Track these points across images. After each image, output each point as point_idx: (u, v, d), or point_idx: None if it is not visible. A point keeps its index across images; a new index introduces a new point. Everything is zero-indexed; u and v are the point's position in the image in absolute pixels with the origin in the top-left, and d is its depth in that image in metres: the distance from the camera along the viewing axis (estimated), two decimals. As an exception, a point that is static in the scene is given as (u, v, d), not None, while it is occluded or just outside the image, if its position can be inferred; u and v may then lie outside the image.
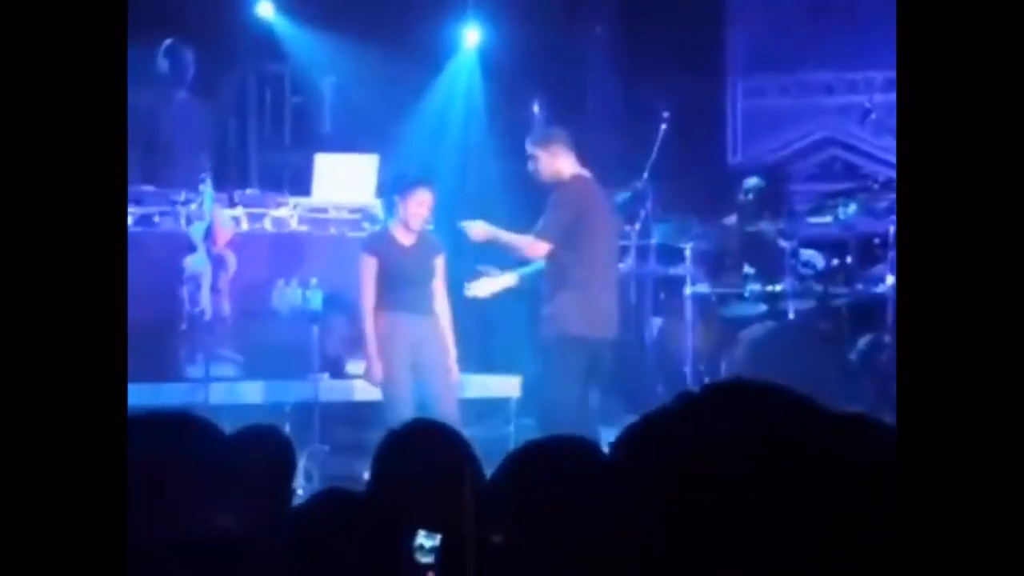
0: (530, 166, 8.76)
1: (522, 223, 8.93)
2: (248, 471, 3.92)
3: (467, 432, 4.38)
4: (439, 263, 9.02)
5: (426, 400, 8.74)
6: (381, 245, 8.95)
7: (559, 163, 8.70)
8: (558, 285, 8.63)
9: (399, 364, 8.77)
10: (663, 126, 10.73)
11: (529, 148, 8.77)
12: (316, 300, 9.84)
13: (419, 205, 8.83)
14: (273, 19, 12.01)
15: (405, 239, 8.91)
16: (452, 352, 8.99)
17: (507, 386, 10.59)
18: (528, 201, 9.47)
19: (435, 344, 8.91)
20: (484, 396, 10.42)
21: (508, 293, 9.11)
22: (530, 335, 9.50)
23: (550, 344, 8.67)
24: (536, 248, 8.64)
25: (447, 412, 8.35)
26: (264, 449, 4.38)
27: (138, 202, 10.22)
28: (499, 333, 11.14)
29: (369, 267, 8.84)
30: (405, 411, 8.20)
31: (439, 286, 9.01)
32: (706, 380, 10.61)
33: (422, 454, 4.00)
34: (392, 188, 9.11)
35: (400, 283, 8.83)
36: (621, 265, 10.49)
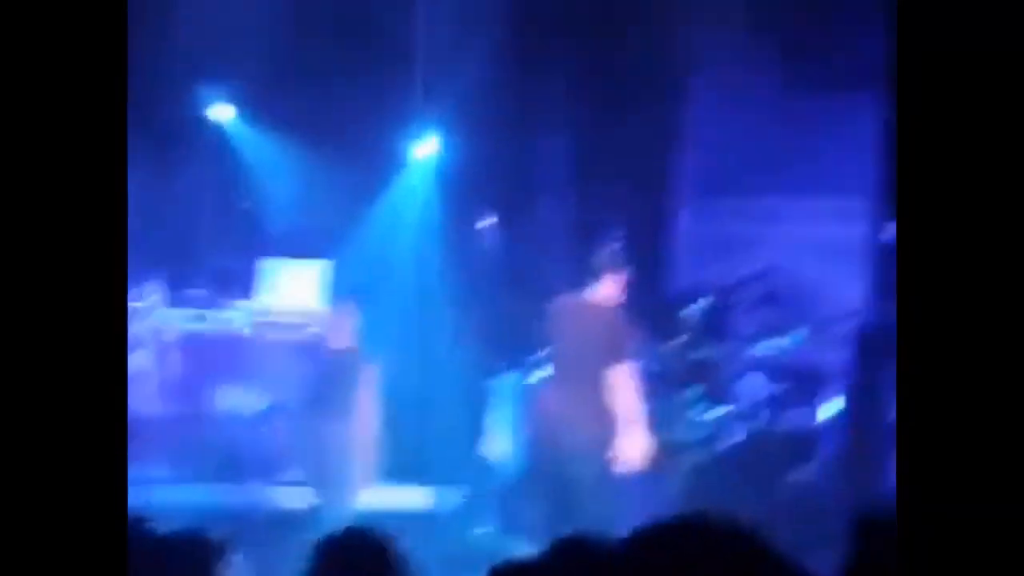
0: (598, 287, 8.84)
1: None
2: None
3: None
4: (367, 374, 9.10)
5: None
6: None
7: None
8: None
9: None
10: (611, 247, 10.74)
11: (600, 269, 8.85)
12: (257, 403, 9.82)
13: (342, 320, 8.99)
14: (228, 121, 12.04)
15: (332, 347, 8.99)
16: (361, 460, 9.08)
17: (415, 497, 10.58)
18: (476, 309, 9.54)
19: (343, 451, 8.94)
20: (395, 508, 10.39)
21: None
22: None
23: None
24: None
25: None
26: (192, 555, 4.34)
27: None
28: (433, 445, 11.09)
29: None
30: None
31: (363, 395, 9.10)
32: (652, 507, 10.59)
33: (352, 564, 3.99)
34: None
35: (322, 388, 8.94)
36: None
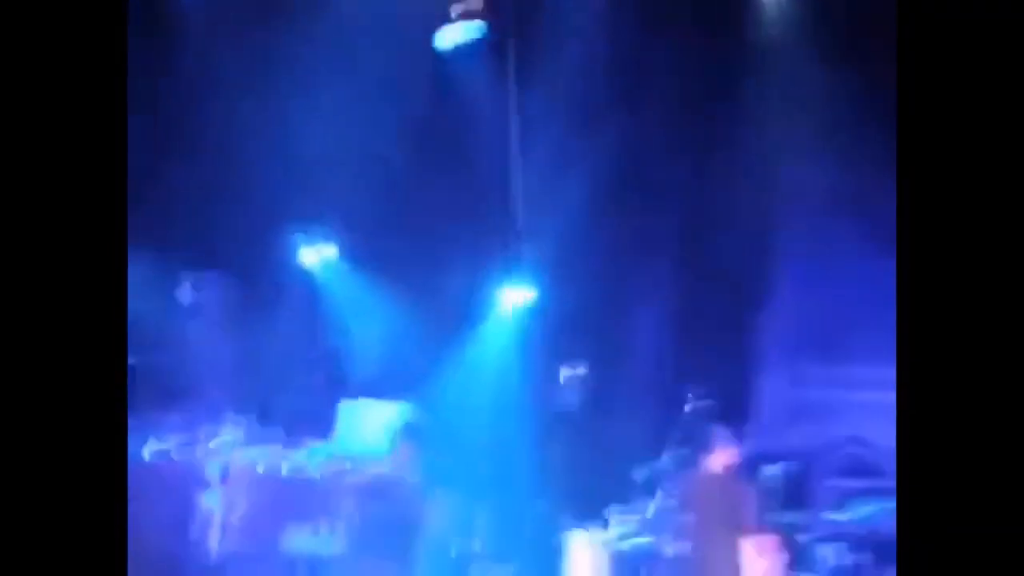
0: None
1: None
2: None
3: None
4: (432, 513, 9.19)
5: None
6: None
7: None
8: None
9: None
10: (688, 407, 10.74)
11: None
12: (327, 545, 9.85)
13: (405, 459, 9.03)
14: (322, 262, 12.24)
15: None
16: None
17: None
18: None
19: None
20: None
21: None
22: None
23: None
24: None
25: None
26: None
27: (160, 432, 10.31)
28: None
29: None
30: None
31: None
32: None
33: None
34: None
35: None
36: (631, 543, 10.56)
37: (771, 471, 11.35)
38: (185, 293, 11.19)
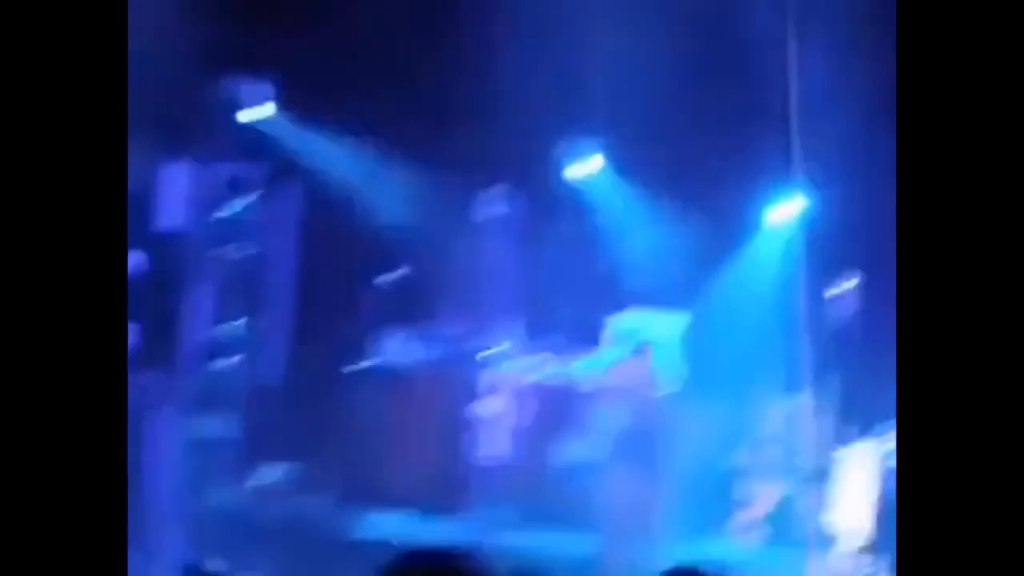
0: None
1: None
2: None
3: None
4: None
5: None
6: None
7: None
8: None
9: None
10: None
11: None
12: (592, 454, 9.99)
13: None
14: (586, 177, 12.31)
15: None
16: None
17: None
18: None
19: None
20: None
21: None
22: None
23: None
24: None
25: None
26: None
27: (431, 340, 10.55)
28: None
29: None
30: None
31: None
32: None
33: None
34: None
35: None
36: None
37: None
38: (475, 209, 11.38)
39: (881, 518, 10.95)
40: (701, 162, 12.01)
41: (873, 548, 10.92)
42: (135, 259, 8.09)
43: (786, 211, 12.39)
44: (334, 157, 11.77)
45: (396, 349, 10.50)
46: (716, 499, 11.30)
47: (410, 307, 11.39)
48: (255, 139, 11.82)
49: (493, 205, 11.54)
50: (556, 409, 10.62)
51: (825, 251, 12.19)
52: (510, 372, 10.29)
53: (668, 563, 4.24)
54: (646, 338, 9.70)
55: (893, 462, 10.86)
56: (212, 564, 6.10)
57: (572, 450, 10.36)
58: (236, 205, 11.00)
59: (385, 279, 11.29)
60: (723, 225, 12.01)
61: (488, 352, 10.33)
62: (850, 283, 12.47)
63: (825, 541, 11.06)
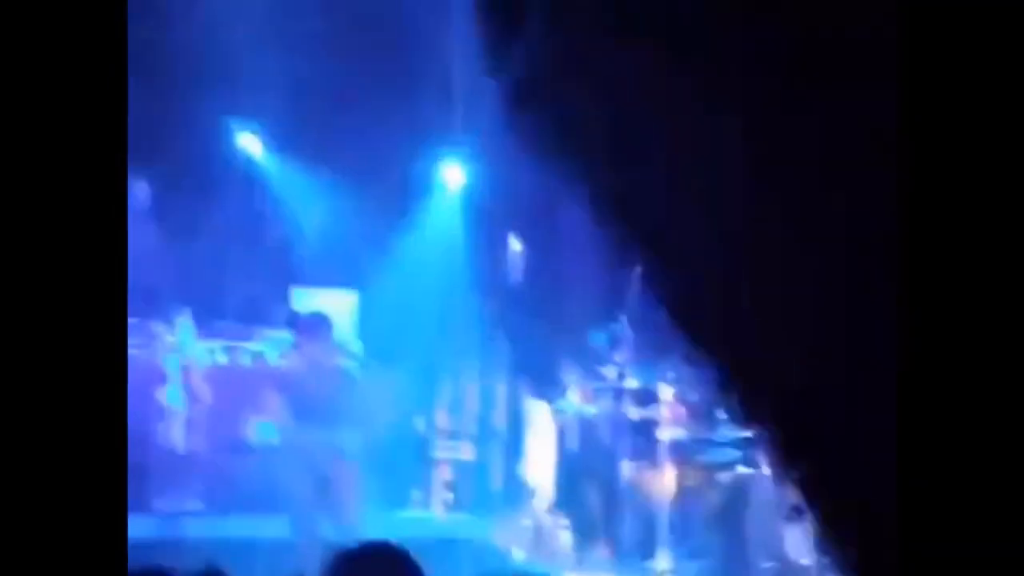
0: None
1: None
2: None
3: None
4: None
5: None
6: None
7: None
8: None
9: None
10: (638, 268, 10.80)
11: None
12: (283, 432, 9.82)
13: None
14: (255, 152, 12.10)
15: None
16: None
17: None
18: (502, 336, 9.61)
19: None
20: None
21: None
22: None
23: None
24: None
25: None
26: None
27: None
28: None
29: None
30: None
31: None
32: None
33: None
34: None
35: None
36: (594, 408, 10.68)
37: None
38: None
39: (562, 475, 11.20)
40: (364, 133, 11.96)
41: (556, 505, 11.16)
42: None
43: (452, 176, 12.49)
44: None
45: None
46: (404, 470, 11.32)
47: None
48: None
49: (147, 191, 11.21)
50: (237, 392, 10.41)
51: (491, 214, 12.36)
52: (188, 358, 10.04)
53: (357, 540, 4.18)
54: (322, 313, 9.61)
55: (569, 420, 11.12)
56: None
57: (255, 432, 10.18)
58: None
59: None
60: (393, 193, 12.00)
61: (172, 337, 10.04)
62: (516, 246, 12.70)
63: (513, 501, 11.22)
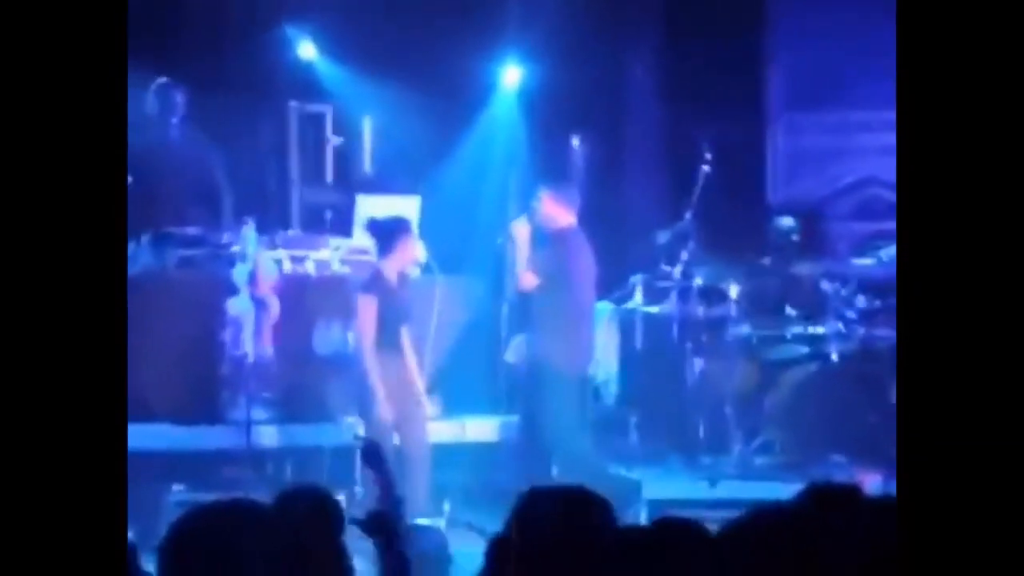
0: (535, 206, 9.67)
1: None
2: (298, 540, 3.89)
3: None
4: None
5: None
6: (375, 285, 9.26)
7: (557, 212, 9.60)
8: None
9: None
10: (704, 167, 10.73)
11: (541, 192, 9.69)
12: (352, 342, 9.86)
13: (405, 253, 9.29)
14: (314, 60, 12.04)
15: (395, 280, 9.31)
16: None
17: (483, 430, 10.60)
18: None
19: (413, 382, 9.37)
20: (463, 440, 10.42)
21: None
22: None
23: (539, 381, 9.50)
24: (526, 278, 9.51)
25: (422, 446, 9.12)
26: (312, 512, 4.37)
27: (181, 244, 10.25)
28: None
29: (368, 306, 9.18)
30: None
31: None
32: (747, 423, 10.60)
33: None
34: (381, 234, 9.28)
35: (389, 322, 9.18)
36: (661, 307, 10.68)
37: (785, 223, 11.38)
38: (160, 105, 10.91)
39: (629, 374, 11.23)
40: (421, 38, 11.90)
41: (624, 403, 11.21)
42: None
43: (511, 77, 12.37)
44: None
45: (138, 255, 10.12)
46: (474, 375, 11.28)
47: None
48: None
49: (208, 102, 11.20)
50: (306, 301, 10.44)
51: (552, 114, 12.29)
52: (255, 268, 10.04)
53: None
54: (401, 216, 9.60)
55: (635, 319, 11.12)
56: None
57: (327, 340, 10.22)
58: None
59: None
60: (452, 96, 11.93)
61: (235, 248, 10.06)
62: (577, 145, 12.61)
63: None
